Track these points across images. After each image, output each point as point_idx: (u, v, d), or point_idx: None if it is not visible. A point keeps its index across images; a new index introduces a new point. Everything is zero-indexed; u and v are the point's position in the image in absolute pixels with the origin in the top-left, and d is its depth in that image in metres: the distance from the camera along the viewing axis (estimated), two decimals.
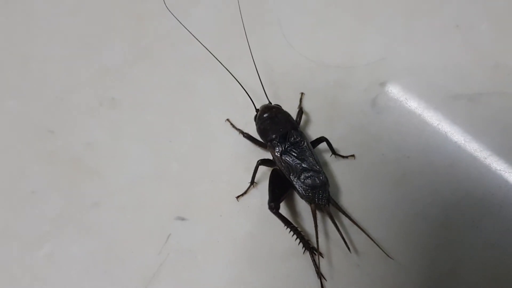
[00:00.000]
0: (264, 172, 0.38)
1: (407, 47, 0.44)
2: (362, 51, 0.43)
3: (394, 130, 0.39)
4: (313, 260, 0.34)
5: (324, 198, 0.34)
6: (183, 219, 0.37)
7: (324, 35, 0.44)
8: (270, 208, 0.34)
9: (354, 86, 0.42)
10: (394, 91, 0.41)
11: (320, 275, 0.34)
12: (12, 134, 0.42)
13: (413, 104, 0.41)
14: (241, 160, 0.39)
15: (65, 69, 0.45)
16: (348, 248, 0.34)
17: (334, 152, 0.38)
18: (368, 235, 0.33)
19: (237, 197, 0.37)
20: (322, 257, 0.34)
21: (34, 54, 0.46)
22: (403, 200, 0.36)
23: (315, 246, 0.34)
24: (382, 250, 0.33)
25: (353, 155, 0.38)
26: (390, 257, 0.34)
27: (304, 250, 0.34)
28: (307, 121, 0.41)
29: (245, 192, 0.38)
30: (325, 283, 0.34)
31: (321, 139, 0.37)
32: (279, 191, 0.35)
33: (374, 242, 0.33)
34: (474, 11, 0.45)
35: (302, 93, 0.41)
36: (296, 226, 0.34)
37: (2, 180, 0.39)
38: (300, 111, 0.40)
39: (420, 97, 0.41)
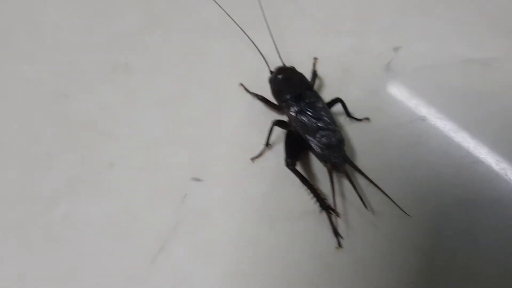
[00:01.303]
0: (279, 135, 0.39)
1: (419, 12, 0.44)
2: (375, 17, 0.44)
3: (408, 94, 0.39)
4: (330, 219, 0.34)
5: (340, 157, 0.35)
6: (198, 179, 0.37)
7: (336, 1, 0.44)
8: (287, 164, 0.34)
9: (368, 51, 0.42)
10: (408, 56, 0.41)
11: (336, 233, 0.34)
12: (26, 98, 0.42)
13: (427, 69, 0.41)
14: (255, 123, 0.39)
15: (78, 35, 0.45)
16: (365, 206, 0.34)
17: (348, 114, 0.38)
18: (384, 193, 0.34)
19: (252, 158, 0.37)
20: (339, 216, 0.35)
21: (47, 20, 0.46)
22: (418, 162, 0.37)
23: (332, 205, 0.34)
24: (399, 207, 0.33)
25: (367, 118, 0.38)
26: (408, 214, 0.34)
27: (321, 209, 0.34)
28: (321, 86, 0.41)
29: (260, 154, 0.38)
30: (342, 241, 0.34)
31: (336, 100, 0.37)
32: (295, 150, 0.35)
33: (391, 199, 0.33)
34: None
35: (315, 58, 0.41)
36: (312, 184, 0.34)
37: (17, 143, 0.39)
38: (314, 74, 0.40)
39: (434, 61, 0.41)
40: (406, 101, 0.39)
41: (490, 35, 0.42)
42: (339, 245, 0.34)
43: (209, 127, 0.39)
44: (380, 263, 0.33)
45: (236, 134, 0.39)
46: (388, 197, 0.34)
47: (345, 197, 0.36)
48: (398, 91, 0.40)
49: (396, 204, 0.33)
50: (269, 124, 0.37)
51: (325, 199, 0.35)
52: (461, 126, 0.38)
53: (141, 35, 0.44)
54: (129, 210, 0.36)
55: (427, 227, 0.34)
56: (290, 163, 0.34)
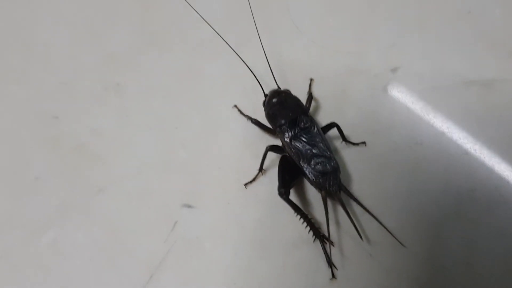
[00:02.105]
0: (273, 159, 0.38)
1: (419, 33, 0.43)
2: (373, 37, 0.43)
3: (406, 117, 0.38)
4: (324, 249, 0.33)
5: (335, 185, 0.34)
6: (190, 206, 0.36)
7: (333, 21, 0.43)
8: (280, 194, 0.33)
9: (365, 72, 0.41)
10: (406, 77, 0.40)
11: (330, 263, 0.33)
12: (15, 120, 0.41)
13: (426, 91, 0.40)
14: (249, 147, 0.38)
15: (69, 54, 0.44)
16: (360, 236, 0.33)
17: (344, 138, 0.37)
18: (380, 223, 0.33)
19: (245, 184, 0.37)
20: (333, 245, 0.34)
21: (38, 39, 0.45)
22: (415, 188, 0.36)
23: (326, 234, 0.33)
24: (395, 238, 0.32)
25: (364, 142, 0.37)
26: (403, 245, 0.33)
27: (314, 238, 0.33)
28: (317, 108, 0.40)
29: (254, 179, 0.37)
30: (336, 272, 0.33)
31: (332, 125, 0.36)
32: (289, 177, 0.34)
33: (387, 229, 0.32)
34: None
35: (311, 79, 0.41)
36: (306, 213, 0.33)
37: (5, 167, 0.38)
38: (310, 97, 0.39)
39: (433, 83, 0.40)
40: (404, 125, 0.38)
41: (490, 56, 0.41)
42: (333, 276, 0.33)
43: (201, 151, 0.38)
44: None
45: (229, 159, 0.38)
46: (384, 226, 0.33)
47: (340, 225, 0.35)
48: (395, 114, 0.39)
49: (391, 234, 0.32)
50: (262, 148, 0.36)
51: (319, 228, 0.34)
52: (460, 151, 0.37)
53: (134, 55, 0.43)
54: (117, 237, 0.35)
55: (424, 258, 0.33)
56: (284, 193, 0.33)
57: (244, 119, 0.39)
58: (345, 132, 0.37)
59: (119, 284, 0.34)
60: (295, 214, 0.33)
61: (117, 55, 0.43)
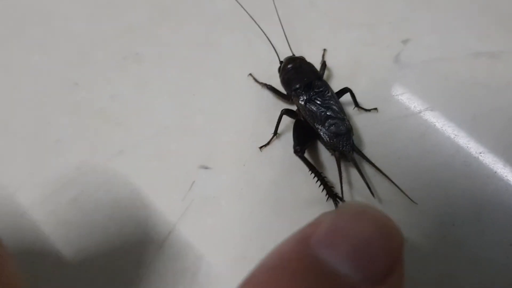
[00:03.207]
0: (287, 124, 0.39)
1: (428, 6, 0.44)
2: (384, 10, 0.44)
3: (416, 85, 0.40)
4: (336, 207, 0.34)
5: (349, 145, 0.35)
6: (206, 167, 0.37)
7: None
8: (296, 151, 0.34)
9: (377, 43, 0.42)
10: (417, 48, 0.41)
11: None
12: (37, 87, 0.42)
13: (435, 61, 0.41)
14: (264, 113, 0.40)
15: (88, 25, 0.45)
16: (373, 194, 0.34)
17: (357, 104, 0.38)
18: (391, 181, 0.34)
19: (260, 147, 0.38)
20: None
21: (58, 10, 0.46)
22: (426, 151, 0.37)
23: (339, 194, 0.34)
24: (406, 195, 0.33)
25: (376, 108, 0.39)
26: (415, 202, 0.34)
27: (328, 197, 0.34)
28: (330, 77, 0.41)
29: (268, 143, 0.38)
30: None
31: (345, 90, 0.38)
32: (304, 138, 0.36)
33: (398, 187, 0.33)
34: None
35: (324, 49, 0.42)
36: (320, 172, 0.35)
37: (27, 130, 0.40)
38: (324, 64, 0.40)
39: (442, 54, 0.41)
40: (414, 92, 0.39)
41: (499, 28, 0.42)
42: None
43: (218, 116, 0.40)
44: None
45: (245, 124, 0.39)
46: (395, 184, 0.34)
47: (352, 186, 0.36)
48: (406, 83, 0.40)
49: (402, 192, 0.33)
50: (277, 114, 0.37)
51: (333, 187, 0.35)
52: (468, 118, 0.38)
53: (152, 26, 0.45)
54: (137, 196, 0.37)
55: (435, 215, 0.34)
56: (299, 150, 0.34)
57: (259, 87, 0.41)
58: (357, 100, 0.38)
59: (139, 239, 0.35)
60: (310, 172, 0.34)
61: (135, 26, 0.45)
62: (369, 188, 0.34)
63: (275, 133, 0.38)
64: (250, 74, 0.41)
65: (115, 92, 0.41)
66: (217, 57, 0.43)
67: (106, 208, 0.36)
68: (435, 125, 0.38)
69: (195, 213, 0.35)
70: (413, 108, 0.39)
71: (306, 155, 0.36)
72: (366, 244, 0.17)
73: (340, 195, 0.34)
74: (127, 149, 0.38)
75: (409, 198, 0.34)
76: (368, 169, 0.36)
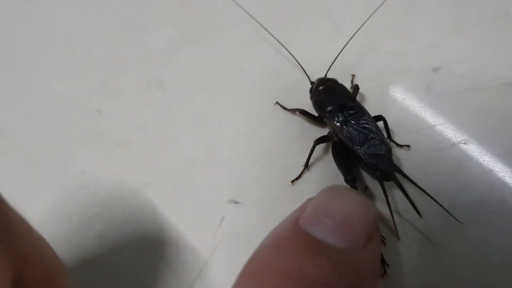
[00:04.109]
0: (317, 156, 0.38)
1: (458, 35, 0.43)
2: (413, 37, 0.43)
3: (449, 116, 0.39)
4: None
5: (390, 165, 0.34)
6: (236, 202, 0.36)
7: (373, 20, 0.44)
8: (347, 181, 0.33)
9: (407, 72, 0.41)
10: (448, 76, 0.41)
11: (383, 261, 0.33)
12: (59, 115, 0.41)
13: (467, 91, 0.40)
14: (293, 144, 0.39)
15: (110, 51, 0.44)
16: (419, 213, 0.33)
17: (389, 136, 0.37)
18: (435, 200, 0.33)
19: (292, 181, 0.37)
20: (385, 244, 0.34)
21: (79, 36, 0.45)
22: (461, 187, 0.36)
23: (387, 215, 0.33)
24: (450, 214, 0.32)
25: (408, 146, 0.38)
26: (460, 222, 0.33)
27: None
28: None
29: (300, 176, 0.37)
30: (388, 269, 0.33)
31: (379, 118, 0.37)
32: (349, 164, 0.35)
33: (442, 206, 0.32)
34: None
35: (353, 75, 0.41)
36: None
37: (51, 161, 0.39)
38: (356, 87, 0.39)
39: (474, 83, 0.40)
40: (448, 124, 0.38)
41: None
42: (385, 272, 0.33)
43: (246, 147, 0.39)
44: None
45: (274, 155, 0.38)
46: (439, 203, 0.32)
47: (397, 205, 0.35)
48: (439, 113, 0.39)
49: (447, 211, 0.32)
50: (307, 144, 0.36)
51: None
52: (504, 151, 0.37)
53: (175, 51, 0.44)
54: (165, 231, 0.36)
55: (469, 255, 0.33)
56: (351, 180, 0.33)
57: (287, 116, 0.40)
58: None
59: (168, 278, 0.34)
60: None
61: (158, 52, 0.44)
62: (414, 207, 0.33)
63: (306, 165, 0.37)
64: (277, 102, 0.40)
65: (139, 122, 0.40)
66: (242, 85, 0.42)
67: (134, 244, 0.35)
68: (470, 159, 0.37)
69: (226, 251, 0.35)
70: (446, 141, 0.38)
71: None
72: (347, 218, 0.21)
73: (390, 214, 0.33)
74: (153, 182, 0.37)
75: (454, 217, 0.32)
76: (409, 189, 0.34)
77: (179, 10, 0.46)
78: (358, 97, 0.40)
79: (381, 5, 0.42)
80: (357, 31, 0.41)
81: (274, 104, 0.40)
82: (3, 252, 0.19)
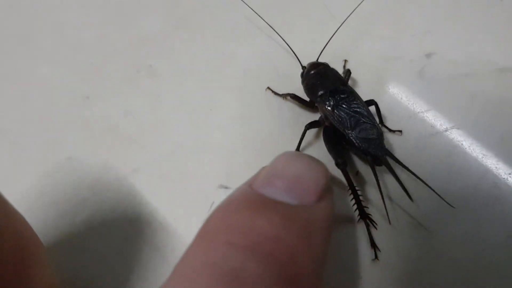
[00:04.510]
0: (308, 141, 0.37)
1: (452, 20, 0.43)
2: (406, 23, 0.43)
3: (443, 102, 0.38)
4: (369, 231, 0.33)
5: (382, 149, 0.34)
6: (226, 187, 0.36)
7: (366, 6, 0.43)
8: (338, 165, 0.33)
9: (400, 57, 0.41)
10: (441, 62, 0.40)
11: (374, 245, 0.32)
12: (46, 100, 0.40)
13: (460, 77, 0.40)
14: (284, 129, 0.38)
15: (100, 36, 0.43)
16: (410, 197, 0.32)
17: (381, 121, 0.37)
18: (427, 184, 0.32)
19: None
20: (376, 228, 0.33)
21: (68, 21, 0.44)
22: (454, 172, 0.35)
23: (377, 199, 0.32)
24: (442, 198, 0.32)
25: (400, 131, 0.37)
26: (452, 206, 0.32)
27: (359, 218, 0.33)
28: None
29: None
30: (379, 253, 0.32)
31: (371, 102, 0.37)
32: (340, 147, 0.34)
33: (433, 190, 0.32)
34: None
35: (345, 60, 0.40)
36: (358, 189, 0.33)
37: (38, 147, 0.38)
38: (348, 72, 0.39)
39: (468, 69, 0.40)
40: (440, 110, 0.38)
41: None
42: (376, 257, 0.32)
43: (237, 133, 0.38)
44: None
45: (265, 141, 0.38)
46: (430, 187, 0.32)
47: (388, 190, 0.34)
48: (432, 99, 0.38)
49: (438, 195, 0.32)
50: (298, 129, 0.36)
51: (366, 207, 0.33)
52: (497, 137, 0.37)
53: (166, 37, 0.43)
54: (155, 217, 0.35)
55: (462, 241, 0.33)
56: (341, 163, 0.33)
57: (278, 101, 0.39)
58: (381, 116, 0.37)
59: (157, 263, 0.33)
60: (347, 189, 0.33)
61: (148, 38, 0.43)
62: (406, 191, 0.32)
63: (298, 149, 0.36)
64: (268, 88, 0.40)
65: (128, 108, 0.40)
66: (233, 70, 0.42)
67: (121, 230, 0.35)
68: (462, 144, 0.36)
69: None
70: (439, 126, 0.37)
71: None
72: (298, 178, 0.22)
73: (382, 199, 0.32)
74: (142, 168, 0.37)
75: (446, 201, 0.32)
76: (400, 174, 0.34)
77: None
78: (350, 83, 0.39)
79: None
80: (349, 15, 0.41)
81: (266, 90, 0.40)
82: None
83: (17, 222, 0.24)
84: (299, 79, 0.39)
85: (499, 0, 0.43)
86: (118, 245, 0.34)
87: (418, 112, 0.38)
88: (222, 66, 0.42)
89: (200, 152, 0.38)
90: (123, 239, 0.34)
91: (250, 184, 0.23)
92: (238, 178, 0.36)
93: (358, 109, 0.35)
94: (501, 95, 0.39)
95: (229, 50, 0.42)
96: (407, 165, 0.36)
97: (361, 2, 0.41)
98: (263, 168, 0.25)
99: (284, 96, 0.39)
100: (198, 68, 0.42)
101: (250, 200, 0.21)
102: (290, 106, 0.39)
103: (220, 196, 0.35)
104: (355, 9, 0.41)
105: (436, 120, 0.38)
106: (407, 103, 0.39)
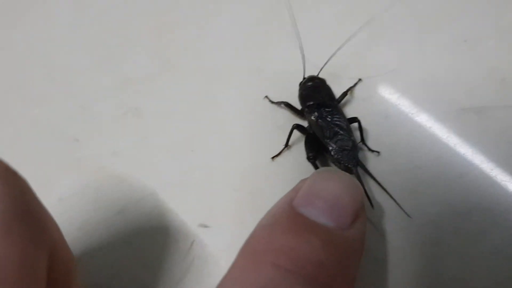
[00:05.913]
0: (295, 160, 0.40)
1: (418, 60, 0.46)
2: (374, 64, 0.45)
3: (406, 142, 0.41)
4: None
5: (354, 160, 0.38)
6: (206, 226, 0.39)
7: (337, 48, 0.46)
8: (309, 158, 0.38)
9: (367, 98, 0.44)
10: (406, 103, 0.43)
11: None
12: (38, 143, 0.43)
13: (424, 117, 0.43)
14: (262, 170, 0.41)
15: (88, 79, 0.46)
16: (371, 205, 0.37)
17: (362, 138, 0.41)
18: (390, 195, 0.37)
19: (272, 157, 0.41)
20: None
21: (57, 64, 0.47)
22: (416, 209, 0.38)
23: None
24: (401, 208, 0.36)
25: (378, 152, 0.41)
26: (408, 216, 0.37)
27: None
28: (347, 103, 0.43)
29: (280, 153, 0.41)
30: None
31: (354, 119, 0.41)
32: (316, 148, 0.39)
33: (395, 201, 0.36)
34: (482, 27, 0.47)
35: (359, 79, 0.44)
36: None
37: None
38: (347, 91, 0.43)
39: (431, 110, 0.43)
40: (404, 149, 0.41)
41: (485, 84, 0.44)
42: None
43: (217, 173, 0.41)
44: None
45: (244, 181, 0.40)
46: (393, 198, 0.36)
47: None
48: (396, 139, 0.41)
49: (398, 205, 0.36)
50: (277, 169, 0.39)
51: None
52: (455, 174, 0.39)
53: (151, 80, 0.46)
54: (139, 256, 0.38)
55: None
56: (312, 157, 0.38)
57: (258, 143, 0.42)
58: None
59: None
60: None
61: (134, 80, 0.46)
62: (369, 200, 0.37)
63: (286, 144, 0.41)
64: (266, 97, 0.44)
65: (116, 149, 0.42)
66: (216, 111, 0.44)
67: (108, 269, 0.37)
68: (424, 182, 0.39)
69: (196, 274, 0.37)
70: (403, 165, 0.40)
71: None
72: (336, 200, 0.23)
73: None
74: (127, 207, 0.40)
75: (404, 211, 0.37)
76: (371, 183, 0.38)
77: (156, 39, 0.48)
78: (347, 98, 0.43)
79: (346, 41, 0.45)
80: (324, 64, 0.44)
81: (263, 98, 0.44)
82: (41, 235, 0.23)
83: (64, 245, 0.27)
84: (279, 129, 0.42)
85: (463, 41, 0.46)
86: (106, 282, 0.37)
87: (385, 150, 0.41)
88: (205, 107, 0.44)
89: (182, 191, 0.40)
90: (110, 276, 0.37)
91: (290, 199, 0.24)
92: (218, 217, 0.39)
93: (338, 122, 0.39)
94: (461, 134, 0.41)
95: (211, 92, 0.45)
96: (373, 196, 0.39)
97: (336, 52, 0.44)
98: (302, 181, 0.26)
99: (278, 103, 0.43)
100: (181, 109, 0.45)
101: (293, 221, 0.22)
102: (275, 144, 0.41)
103: (200, 235, 0.38)
104: (330, 57, 0.44)
105: (400, 159, 0.41)
106: (374, 142, 0.42)
